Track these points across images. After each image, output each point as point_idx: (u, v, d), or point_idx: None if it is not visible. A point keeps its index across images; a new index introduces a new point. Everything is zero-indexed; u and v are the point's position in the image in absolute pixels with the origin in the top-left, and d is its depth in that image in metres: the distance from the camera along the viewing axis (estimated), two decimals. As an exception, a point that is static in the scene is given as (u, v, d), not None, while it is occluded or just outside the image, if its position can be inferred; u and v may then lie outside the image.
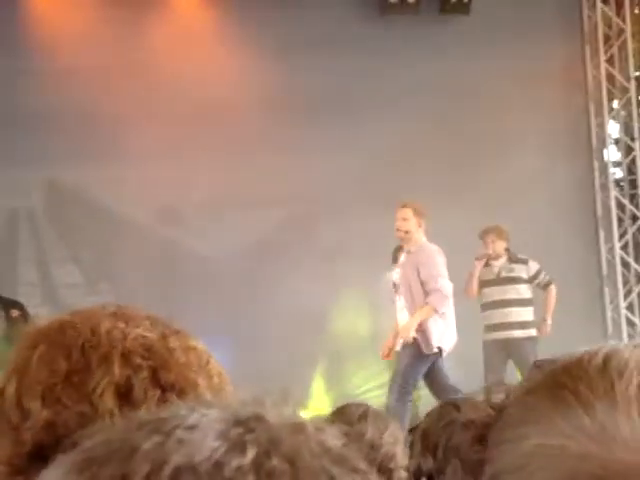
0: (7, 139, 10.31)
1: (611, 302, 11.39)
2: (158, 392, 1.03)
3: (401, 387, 7.99)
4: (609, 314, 11.34)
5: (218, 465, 0.57)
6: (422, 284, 8.23)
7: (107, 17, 10.59)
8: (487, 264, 9.45)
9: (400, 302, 8.40)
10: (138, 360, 1.05)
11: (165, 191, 10.60)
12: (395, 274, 8.49)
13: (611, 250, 11.43)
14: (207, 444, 0.58)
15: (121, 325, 1.08)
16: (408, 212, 8.41)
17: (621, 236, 11.44)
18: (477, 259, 9.41)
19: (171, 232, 10.84)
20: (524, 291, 9.42)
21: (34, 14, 10.63)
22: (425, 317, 8.18)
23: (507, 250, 9.49)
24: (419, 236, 8.40)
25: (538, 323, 9.43)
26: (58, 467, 0.62)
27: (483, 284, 9.42)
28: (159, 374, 1.05)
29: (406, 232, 8.36)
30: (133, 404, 0.99)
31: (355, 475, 0.61)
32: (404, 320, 8.25)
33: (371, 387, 10.20)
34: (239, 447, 0.58)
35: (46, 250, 11.02)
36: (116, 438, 0.61)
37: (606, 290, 11.41)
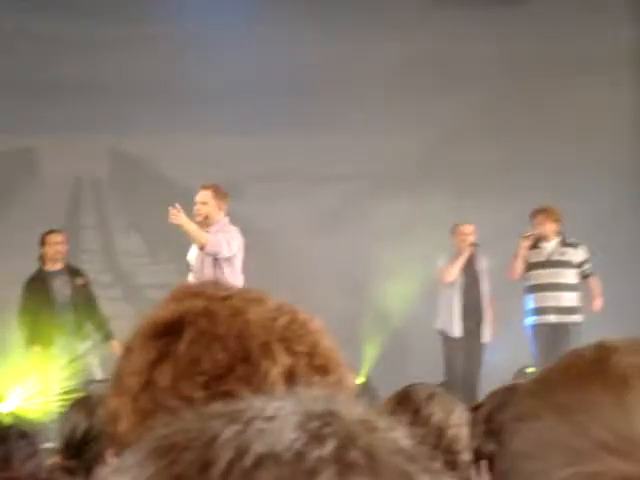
0: (75, 107, 10.40)
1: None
2: (320, 377, 1.02)
3: None
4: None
5: (299, 455, 0.58)
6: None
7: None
8: (536, 246, 9.17)
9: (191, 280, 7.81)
10: (295, 347, 1.04)
11: (228, 163, 10.65)
12: (190, 253, 8.02)
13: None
14: (286, 434, 0.59)
15: (261, 310, 1.07)
16: (207, 195, 7.84)
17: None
18: (523, 237, 9.19)
19: (232, 204, 10.89)
20: (574, 276, 9.21)
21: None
22: (194, 231, 7.65)
23: (559, 233, 9.27)
24: (220, 218, 7.87)
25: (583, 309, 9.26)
26: (134, 454, 0.62)
27: (532, 266, 9.17)
28: (313, 359, 1.04)
29: (205, 217, 7.81)
30: None
31: (429, 474, 0.61)
32: None
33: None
34: (318, 439, 0.59)
35: (108, 218, 11.14)
36: (193, 427, 0.61)
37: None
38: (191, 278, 7.79)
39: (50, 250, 8.85)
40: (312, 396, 0.65)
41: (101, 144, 10.74)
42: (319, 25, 10.68)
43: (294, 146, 10.69)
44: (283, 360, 1.02)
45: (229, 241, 7.69)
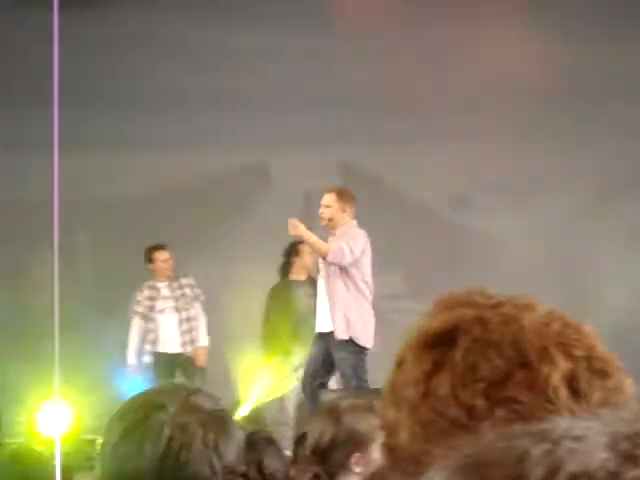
0: (305, 121, 10.64)
1: None
2: (599, 381, 1.01)
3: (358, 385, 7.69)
4: None
5: (613, 475, 0.58)
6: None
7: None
8: None
9: (321, 286, 8.10)
10: (573, 351, 1.03)
11: (455, 175, 10.66)
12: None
13: None
14: (597, 454, 0.59)
15: (533, 316, 1.06)
16: (331, 198, 7.96)
17: None
18: None
19: (460, 216, 10.89)
20: None
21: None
22: (314, 242, 7.89)
23: None
24: (344, 221, 7.97)
25: None
26: (439, 471, 0.63)
27: None
28: (592, 363, 1.02)
29: (329, 220, 7.96)
30: (581, 396, 0.99)
31: None
32: (323, 304, 7.94)
33: None
34: (632, 460, 0.59)
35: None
36: (499, 445, 0.62)
37: None
38: (320, 280, 8.09)
39: (301, 261, 9.07)
40: (618, 417, 0.65)
41: (330, 157, 10.94)
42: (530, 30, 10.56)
43: (517, 154, 10.59)
44: (563, 364, 1.01)
45: (351, 246, 7.85)
